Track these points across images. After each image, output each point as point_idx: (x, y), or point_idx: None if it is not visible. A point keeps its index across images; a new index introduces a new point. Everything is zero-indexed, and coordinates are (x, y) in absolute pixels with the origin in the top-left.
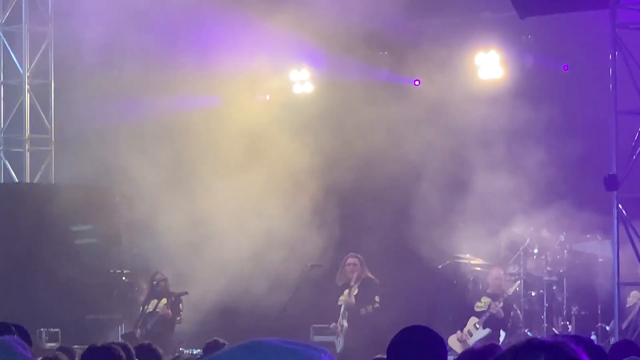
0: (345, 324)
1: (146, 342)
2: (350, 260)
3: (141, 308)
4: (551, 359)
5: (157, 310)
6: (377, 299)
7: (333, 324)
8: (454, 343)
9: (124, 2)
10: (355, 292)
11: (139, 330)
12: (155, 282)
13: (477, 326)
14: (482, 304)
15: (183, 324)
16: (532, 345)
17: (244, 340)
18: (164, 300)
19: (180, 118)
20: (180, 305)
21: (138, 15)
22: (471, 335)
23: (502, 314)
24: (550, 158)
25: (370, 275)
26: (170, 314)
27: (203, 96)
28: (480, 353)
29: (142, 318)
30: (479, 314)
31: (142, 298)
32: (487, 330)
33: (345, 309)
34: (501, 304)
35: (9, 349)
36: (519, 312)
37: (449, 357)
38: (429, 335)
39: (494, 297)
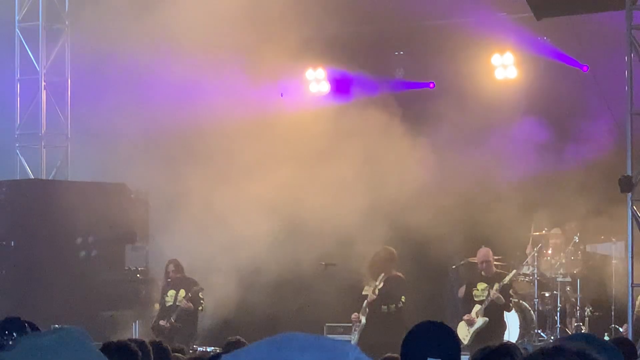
0: (364, 320)
1: (157, 339)
2: (383, 254)
3: (161, 299)
4: None
5: (178, 303)
6: (402, 298)
7: (355, 314)
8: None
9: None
10: (380, 286)
11: (164, 322)
12: (169, 272)
13: (478, 315)
14: (479, 292)
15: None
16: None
17: (266, 337)
18: (182, 292)
19: (194, 112)
20: (201, 294)
21: (157, 12)
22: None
23: (503, 299)
24: (565, 159)
25: (398, 273)
26: (192, 306)
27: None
28: (494, 352)
29: (163, 311)
30: (480, 302)
31: (158, 292)
32: (484, 320)
33: (366, 304)
34: (500, 288)
35: (77, 339)
36: (532, 312)
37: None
38: (444, 331)
39: (490, 281)
